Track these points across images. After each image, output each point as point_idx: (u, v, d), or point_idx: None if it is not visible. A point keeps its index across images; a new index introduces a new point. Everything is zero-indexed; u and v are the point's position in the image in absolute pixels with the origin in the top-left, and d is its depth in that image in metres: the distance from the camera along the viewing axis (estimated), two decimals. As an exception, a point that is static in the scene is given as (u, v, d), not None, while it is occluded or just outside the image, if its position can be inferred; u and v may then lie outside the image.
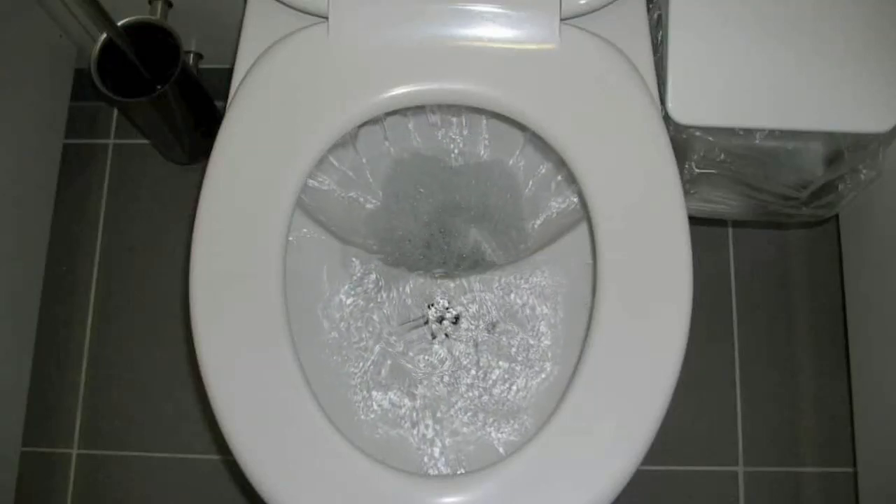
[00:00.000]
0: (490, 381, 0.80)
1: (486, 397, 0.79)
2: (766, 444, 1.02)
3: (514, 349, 0.81)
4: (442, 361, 0.81)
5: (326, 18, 0.67)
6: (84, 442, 1.05)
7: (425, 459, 0.76)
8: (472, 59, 0.67)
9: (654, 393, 0.59)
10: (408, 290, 0.83)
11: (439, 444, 0.77)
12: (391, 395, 0.79)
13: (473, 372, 0.80)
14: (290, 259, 0.64)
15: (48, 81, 1.04)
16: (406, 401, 0.79)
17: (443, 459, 0.76)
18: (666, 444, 1.01)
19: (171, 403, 1.05)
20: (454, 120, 0.78)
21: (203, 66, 1.06)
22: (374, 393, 0.79)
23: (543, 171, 0.80)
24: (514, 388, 0.79)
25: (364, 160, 0.80)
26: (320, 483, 0.57)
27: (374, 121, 0.75)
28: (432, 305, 0.83)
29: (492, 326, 0.82)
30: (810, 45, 0.68)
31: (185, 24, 0.96)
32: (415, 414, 0.79)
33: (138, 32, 0.90)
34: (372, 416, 0.78)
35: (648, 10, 0.72)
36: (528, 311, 0.82)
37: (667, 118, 0.68)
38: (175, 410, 1.05)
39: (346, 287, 0.82)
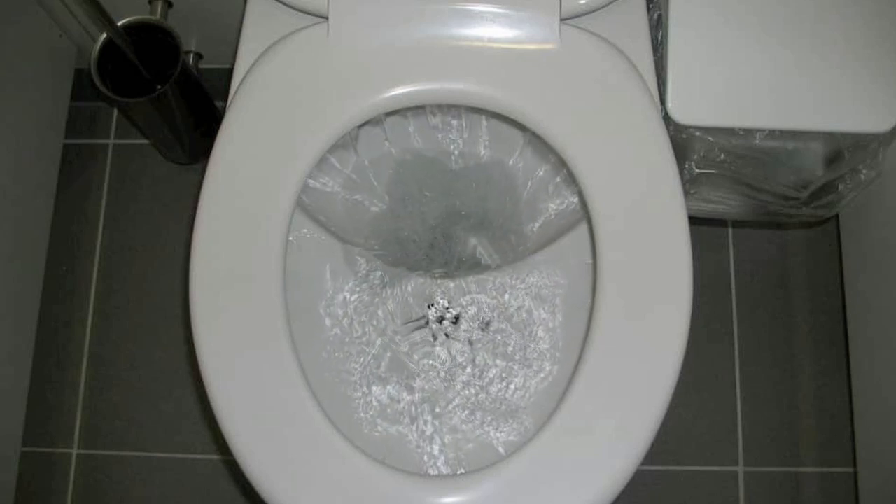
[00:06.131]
0: (487, 380, 0.80)
1: (482, 395, 0.79)
2: (766, 444, 1.02)
3: (510, 348, 0.81)
4: (443, 363, 0.81)
5: (326, 18, 0.67)
6: (84, 442, 1.05)
7: (425, 458, 0.76)
8: (472, 59, 0.67)
9: (655, 393, 0.59)
10: (409, 288, 0.83)
11: (438, 440, 0.77)
12: (389, 388, 0.79)
13: (469, 370, 0.80)
14: (290, 259, 0.64)
15: (48, 81, 1.04)
16: (405, 394, 0.79)
17: (442, 458, 0.76)
18: (666, 444, 1.01)
19: (171, 403, 1.05)
20: (454, 123, 0.78)
21: (203, 66, 1.06)
22: (374, 388, 0.79)
23: (542, 173, 0.80)
24: (513, 386, 0.79)
25: (366, 162, 0.80)
26: (320, 483, 0.57)
27: (374, 122, 0.75)
28: (432, 305, 0.83)
29: (485, 325, 0.82)
30: (810, 45, 0.68)
31: (185, 24, 0.96)
32: (413, 408, 0.79)
33: (138, 32, 0.90)
34: (371, 412, 0.78)
35: (648, 10, 0.72)
36: (524, 315, 0.82)
37: (667, 118, 0.68)
38: (175, 410, 1.05)
39: (351, 284, 0.82)
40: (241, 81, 0.68)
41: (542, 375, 0.79)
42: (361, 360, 0.80)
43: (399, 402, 0.79)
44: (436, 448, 0.76)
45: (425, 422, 0.78)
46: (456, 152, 0.82)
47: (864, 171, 0.73)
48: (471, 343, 0.82)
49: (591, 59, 0.67)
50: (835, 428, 1.02)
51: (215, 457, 1.03)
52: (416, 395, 0.79)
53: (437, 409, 0.79)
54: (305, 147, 0.65)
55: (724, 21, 0.69)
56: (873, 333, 0.89)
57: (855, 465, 0.97)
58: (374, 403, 0.78)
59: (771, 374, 1.05)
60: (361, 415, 0.78)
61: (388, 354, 0.81)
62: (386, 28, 0.67)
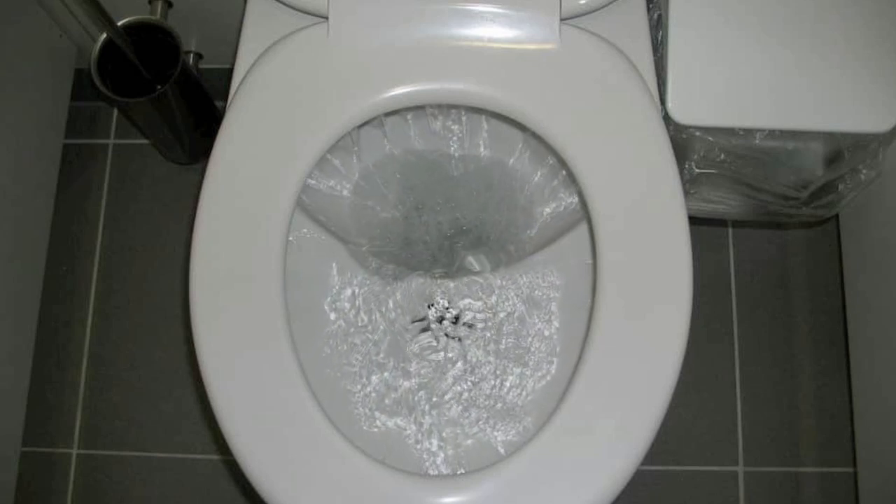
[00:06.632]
0: (479, 376, 0.80)
1: (475, 391, 0.79)
2: (766, 444, 1.02)
3: (503, 346, 0.81)
4: (442, 367, 0.81)
5: (326, 18, 0.67)
6: (84, 442, 1.05)
7: (424, 455, 0.76)
8: (472, 59, 0.67)
9: (655, 393, 0.59)
10: (413, 286, 0.83)
11: (436, 433, 0.77)
12: (386, 374, 0.79)
13: (460, 364, 0.80)
14: (290, 259, 0.64)
15: (48, 81, 1.04)
16: (402, 381, 0.79)
17: (441, 455, 0.76)
18: (666, 444, 1.01)
19: (171, 403, 1.05)
20: (455, 128, 0.79)
21: (203, 66, 1.06)
22: (373, 377, 0.79)
23: (537, 178, 0.80)
24: (508, 384, 0.79)
25: (371, 166, 0.80)
26: (320, 483, 0.57)
27: (375, 124, 0.75)
28: (432, 305, 0.83)
29: (471, 325, 0.82)
30: (810, 45, 0.68)
31: (185, 24, 0.96)
32: (411, 396, 0.79)
33: (138, 32, 0.90)
34: (371, 405, 0.78)
35: (648, 10, 0.72)
36: (515, 322, 0.82)
37: (667, 118, 0.68)
38: (175, 410, 1.05)
39: (360, 277, 0.82)
40: (241, 81, 0.68)
41: (539, 374, 0.79)
42: (364, 349, 0.80)
43: (396, 389, 0.78)
44: (434, 443, 0.76)
45: (423, 412, 0.78)
46: (456, 155, 0.82)
47: (864, 171, 0.73)
48: (460, 340, 0.82)
49: (591, 59, 0.67)
50: (835, 428, 1.02)
51: (215, 457, 1.03)
52: (413, 381, 0.79)
53: (434, 399, 0.78)
54: (305, 147, 0.65)
55: (724, 21, 0.69)
56: (873, 333, 0.89)
57: (855, 465, 0.97)
58: (373, 395, 0.78)
59: (771, 374, 1.05)
60: (361, 410, 0.78)
61: (388, 338, 0.80)
62: (386, 28, 0.67)
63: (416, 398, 0.79)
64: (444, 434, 0.77)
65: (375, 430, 0.77)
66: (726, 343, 1.06)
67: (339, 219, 0.81)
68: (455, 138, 0.80)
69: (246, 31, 0.72)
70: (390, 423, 0.77)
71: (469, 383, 0.80)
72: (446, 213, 0.83)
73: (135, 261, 1.11)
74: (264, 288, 0.61)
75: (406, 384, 0.79)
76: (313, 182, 0.77)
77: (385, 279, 0.82)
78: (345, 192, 0.81)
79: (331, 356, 0.79)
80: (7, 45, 0.94)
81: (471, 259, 0.83)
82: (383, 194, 0.82)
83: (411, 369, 0.80)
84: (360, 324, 0.81)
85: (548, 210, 0.80)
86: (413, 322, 0.82)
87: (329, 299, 0.81)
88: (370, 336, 0.80)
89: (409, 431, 0.77)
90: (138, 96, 0.90)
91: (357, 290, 0.81)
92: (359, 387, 0.79)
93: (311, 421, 0.58)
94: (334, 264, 0.81)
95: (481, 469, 0.57)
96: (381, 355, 0.80)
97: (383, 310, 0.81)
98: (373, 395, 0.78)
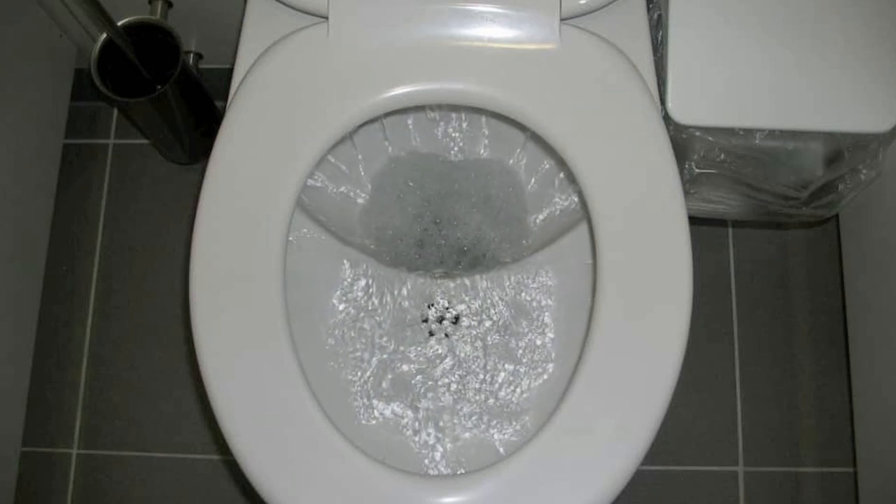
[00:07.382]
0: (497, 384, 0.80)
1: (461, 386, 0.80)
2: (766, 444, 1.02)
3: (493, 346, 0.81)
4: (446, 373, 0.81)
5: (326, 18, 0.67)
6: (84, 442, 1.05)
7: (423, 451, 0.76)
8: (472, 59, 0.67)
9: (655, 393, 0.59)
10: (418, 285, 0.84)
11: (433, 426, 0.77)
12: (385, 356, 0.79)
13: (482, 376, 0.81)
14: (290, 259, 0.64)
15: (48, 81, 1.04)
16: (402, 366, 0.80)
17: (440, 449, 0.76)
18: (666, 444, 1.01)
19: (171, 403, 1.05)
20: (457, 136, 0.79)
21: (203, 66, 1.06)
22: (373, 360, 0.79)
23: (534, 181, 0.80)
24: (500, 381, 0.79)
25: (378, 172, 0.80)
26: (320, 483, 0.57)
27: (377, 128, 0.75)
28: (432, 305, 0.83)
29: (455, 320, 0.82)
30: (810, 45, 0.68)
31: (185, 24, 0.96)
32: (409, 380, 0.79)
33: (138, 32, 0.90)
34: (371, 396, 0.79)
35: (648, 10, 0.72)
36: (502, 328, 0.82)
37: (667, 118, 0.68)
38: (175, 410, 1.05)
39: (372, 270, 0.82)
40: (241, 81, 0.68)
41: (537, 371, 0.79)
42: (372, 333, 0.80)
43: (395, 371, 0.79)
44: (433, 434, 0.76)
45: (419, 395, 0.78)
46: (456, 160, 0.82)
47: (864, 171, 0.73)
48: (447, 335, 0.82)
49: (591, 59, 0.67)
50: (835, 428, 1.02)
51: (215, 457, 1.03)
52: (413, 366, 0.80)
53: (430, 382, 0.79)
54: (305, 147, 0.65)
55: (724, 21, 0.69)
56: (873, 333, 0.89)
57: (855, 465, 0.97)
58: (372, 380, 0.78)
59: (771, 374, 1.05)
60: (360, 401, 0.78)
61: (390, 320, 0.81)
62: (386, 28, 0.67)
63: (413, 382, 0.79)
64: (441, 424, 0.77)
65: (374, 421, 0.77)
66: (726, 343, 1.06)
67: (346, 221, 0.81)
68: (456, 148, 0.80)
69: (246, 31, 0.72)
70: (387, 412, 0.77)
71: (455, 378, 0.80)
72: (462, 227, 0.84)
73: (135, 261, 1.11)
74: (264, 288, 0.62)
75: (405, 368, 0.79)
76: (318, 184, 0.78)
77: (398, 267, 0.82)
78: (359, 200, 0.81)
79: (335, 346, 0.79)
80: (7, 45, 0.94)
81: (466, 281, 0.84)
82: (401, 206, 0.82)
83: (411, 356, 0.80)
84: (370, 308, 0.81)
85: (541, 217, 0.81)
86: (423, 321, 0.82)
87: (339, 293, 0.81)
88: (377, 318, 0.81)
89: (406, 421, 0.77)
90: (138, 96, 0.90)
91: (370, 283, 0.82)
92: (359, 373, 0.78)
93: (311, 421, 0.58)
94: (345, 260, 0.82)
95: (481, 469, 0.57)
96: (385, 338, 0.80)
97: (395, 293, 0.81)
98: (371, 380, 0.78)
